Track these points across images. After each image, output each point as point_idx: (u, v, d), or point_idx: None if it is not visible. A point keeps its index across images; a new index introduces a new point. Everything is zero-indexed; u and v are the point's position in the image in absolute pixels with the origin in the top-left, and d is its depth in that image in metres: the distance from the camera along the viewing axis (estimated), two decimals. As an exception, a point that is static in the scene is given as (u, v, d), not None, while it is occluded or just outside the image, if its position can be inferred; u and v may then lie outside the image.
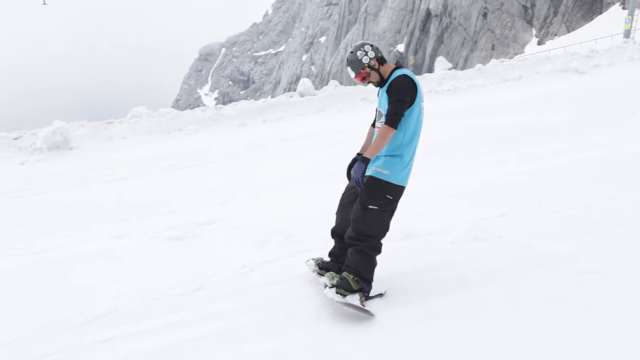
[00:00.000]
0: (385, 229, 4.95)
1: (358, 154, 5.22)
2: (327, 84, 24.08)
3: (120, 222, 8.44)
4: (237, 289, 5.53)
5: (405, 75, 4.86)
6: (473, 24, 71.28)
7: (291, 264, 6.07)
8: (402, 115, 4.76)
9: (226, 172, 12.01)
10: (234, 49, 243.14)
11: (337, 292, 4.74)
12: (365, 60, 4.97)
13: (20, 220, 9.22)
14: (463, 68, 59.57)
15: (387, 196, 4.87)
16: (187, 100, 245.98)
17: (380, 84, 5.10)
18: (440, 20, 74.95)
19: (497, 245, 6.02)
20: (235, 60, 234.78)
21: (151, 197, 9.91)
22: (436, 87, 21.76)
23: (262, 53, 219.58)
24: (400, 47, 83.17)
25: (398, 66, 5.07)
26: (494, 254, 5.76)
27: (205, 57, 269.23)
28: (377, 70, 5.03)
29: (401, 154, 4.89)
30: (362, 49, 5.01)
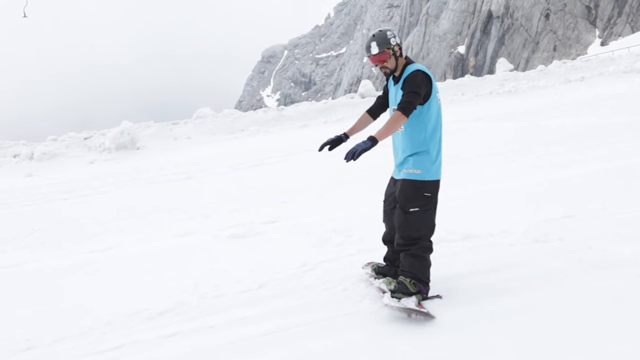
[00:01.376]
0: (431, 226, 4.90)
1: (344, 134, 5.24)
2: (388, 85, 23.93)
3: (185, 220, 8.62)
4: (297, 287, 5.57)
5: (419, 70, 4.82)
6: (535, 25, 70.01)
7: (351, 263, 6.08)
8: (415, 107, 4.69)
9: (287, 172, 12.12)
10: (296, 51, 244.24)
11: (392, 297, 4.72)
12: (393, 41, 4.91)
13: (89, 218, 9.50)
14: (524, 69, 58.53)
15: (425, 194, 4.81)
16: (250, 102, 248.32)
17: (391, 74, 5.07)
18: (502, 22, 73.83)
19: (558, 247, 5.91)
20: (297, 62, 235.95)
21: (214, 196, 10.08)
22: (497, 89, 21.49)
23: (324, 55, 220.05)
24: (461, 49, 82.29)
25: (410, 61, 5.02)
26: (555, 257, 5.65)
27: (268, 59, 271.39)
28: (397, 58, 4.98)
29: (427, 150, 4.83)
30: (392, 31, 4.98)
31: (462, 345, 4.15)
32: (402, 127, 4.88)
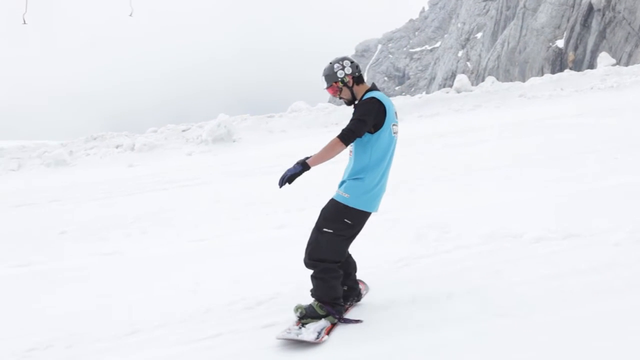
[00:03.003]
0: (337, 254, 4.74)
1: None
2: (482, 80, 23.64)
3: (281, 213, 8.71)
4: (393, 282, 5.54)
5: (374, 98, 4.63)
6: (639, 18, 66.95)
7: (447, 259, 6.00)
8: (359, 135, 4.52)
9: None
10: (390, 45, 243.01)
11: (301, 322, 4.61)
12: (340, 74, 4.75)
13: (188, 208, 9.73)
14: (627, 64, 56.11)
15: (346, 220, 4.66)
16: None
17: (351, 103, 4.89)
18: (603, 15, 70.94)
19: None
20: (391, 56, 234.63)
21: (309, 189, 10.13)
22: (598, 84, 20.76)
23: (418, 49, 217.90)
24: (560, 43, 79.60)
25: (372, 88, 4.84)
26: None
27: (362, 53, 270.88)
28: (350, 88, 4.81)
29: (363, 178, 4.65)
30: (340, 62, 4.79)
31: (566, 347, 4.01)
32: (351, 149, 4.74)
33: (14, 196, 13.78)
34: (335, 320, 4.67)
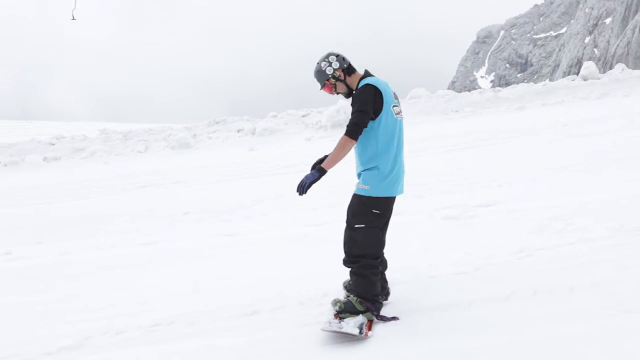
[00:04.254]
0: (376, 245, 4.73)
1: (318, 162, 4.81)
2: (610, 68, 22.64)
3: (398, 199, 8.65)
4: (512, 273, 5.38)
5: (368, 85, 4.56)
6: None
7: (570, 252, 5.77)
8: (365, 126, 4.48)
9: (503, 154, 11.78)
10: (513, 31, 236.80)
11: (340, 317, 4.57)
12: (329, 71, 4.73)
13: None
14: None
15: (374, 211, 4.61)
16: (463, 83, 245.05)
17: (349, 95, 4.83)
18: None
19: None
20: (513, 42, 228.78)
21: (427, 176, 10.03)
22: None
23: (542, 35, 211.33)
24: (697, 28, 74.81)
25: (365, 75, 4.79)
26: None
27: (484, 39, 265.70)
28: (344, 82, 4.78)
29: (377, 166, 4.60)
30: (326, 59, 4.76)
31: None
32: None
33: (141, 177, 14.44)
34: (373, 318, 4.67)
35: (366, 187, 4.61)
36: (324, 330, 4.44)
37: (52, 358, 4.62)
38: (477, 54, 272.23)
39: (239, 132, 21.49)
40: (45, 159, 20.18)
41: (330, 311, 4.69)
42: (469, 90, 25.31)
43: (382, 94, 4.55)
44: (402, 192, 4.83)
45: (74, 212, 10.98)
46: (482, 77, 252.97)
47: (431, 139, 14.86)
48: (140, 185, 13.28)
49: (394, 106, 4.66)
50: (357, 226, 4.63)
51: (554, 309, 4.51)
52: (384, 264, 5.06)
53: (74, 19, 19.12)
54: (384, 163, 4.60)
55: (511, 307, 4.65)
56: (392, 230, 7.09)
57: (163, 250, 7.55)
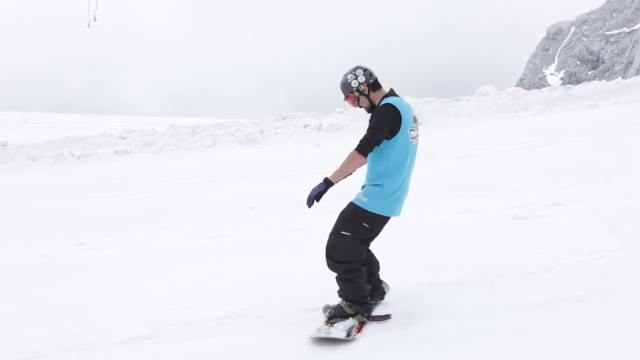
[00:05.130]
0: (356, 255, 4.70)
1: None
2: (693, 64, 21.84)
3: (467, 197, 8.59)
4: (583, 274, 5.26)
5: (388, 104, 4.60)
6: None
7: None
8: (377, 143, 4.54)
9: (574, 153, 11.54)
10: (584, 27, 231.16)
11: (330, 322, 4.62)
12: (354, 84, 4.78)
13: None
14: None
15: (364, 224, 4.66)
16: (532, 80, 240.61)
17: (371, 110, 4.82)
18: None
19: None
20: (584, 39, 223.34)
21: (495, 175, 9.90)
22: None
23: (615, 32, 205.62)
24: None
25: (389, 94, 4.83)
26: None
27: (554, 36, 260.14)
28: (367, 96, 4.82)
29: (382, 184, 4.64)
30: (353, 72, 4.81)
31: None
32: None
33: (208, 171, 14.67)
34: (364, 319, 4.70)
35: (364, 199, 4.69)
36: (311, 337, 4.51)
37: (124, 347, 4.74)
38: (547, 50, 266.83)
39: (305, 127, 21.60)
40: (116, 152, 20.74)
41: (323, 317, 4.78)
42: (538, 88, 24.85)
43: (400, 115, 4.59)
44: (398, 214, 4.85)
45: (143, 204, 11.25)
46: (551, 74, 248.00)
47: (500, 137, 14.65)
48: (208, 179, 13.50)
49: (411, 130, 4.69)
50: (342, 232, 4.68)
51: (629, 312, 4.40)
52: (374, 265, 5.12)
53: (95, 19, 18.99)
54: (389, 183, 4.66)
55: (583, 309, 4.55)
56: (462, 229, 7.06)
57: (231, 244, 7.68)
